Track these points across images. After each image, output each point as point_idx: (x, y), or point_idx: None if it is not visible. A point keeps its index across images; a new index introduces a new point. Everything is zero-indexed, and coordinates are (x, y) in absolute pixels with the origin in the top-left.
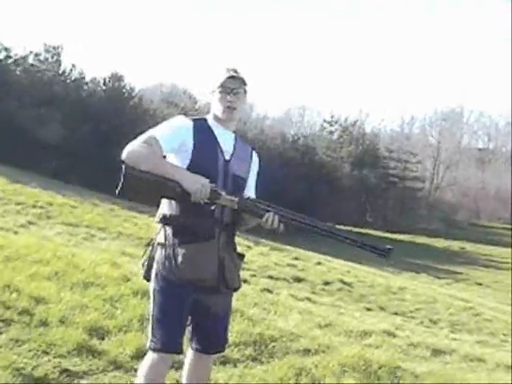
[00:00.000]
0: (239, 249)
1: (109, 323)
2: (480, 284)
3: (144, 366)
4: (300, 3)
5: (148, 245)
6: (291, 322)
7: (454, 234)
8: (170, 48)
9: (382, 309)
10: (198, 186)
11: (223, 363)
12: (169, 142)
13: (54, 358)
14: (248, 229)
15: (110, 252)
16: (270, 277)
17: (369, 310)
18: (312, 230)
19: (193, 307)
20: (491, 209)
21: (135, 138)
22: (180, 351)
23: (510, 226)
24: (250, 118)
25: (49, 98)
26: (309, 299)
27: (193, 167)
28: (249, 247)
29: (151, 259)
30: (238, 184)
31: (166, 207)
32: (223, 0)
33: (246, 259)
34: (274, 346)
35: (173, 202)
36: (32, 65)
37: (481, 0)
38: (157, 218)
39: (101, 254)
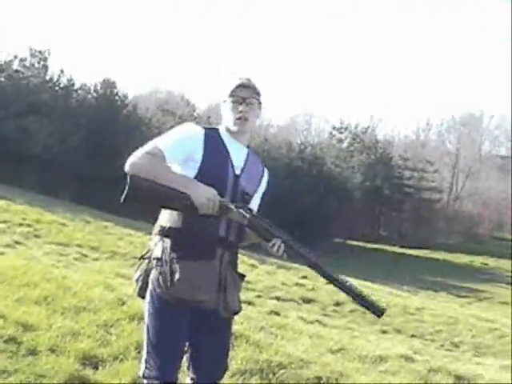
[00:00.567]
0: (241, 268)
1: (103, 351)
2: (505, 303)
3: None
4: (304, 4)
5: (143, 257)
6: (301, 347)
7: (475, 248)
8: (165, 52)
9: (398, 331)
10: (205, 198)
11: None
12: (174, 153)
13: None
14: (246, 246)
15: (104, 273)
16: (277, 298)
17: (384, 332)
18: (315, 270)
19: (190, 332)
20: None
21: (132, 148)
22: (175, 380)
23: None
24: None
25: (35, 107)
26: (319, 322)
27: (199, 180)
28: (253, 266)
29: (146, 274)
30: (246, 201)
31: (166, 218)
32: (223, 1)
33: (250, 279)
34: (282, 374)
35: (174, 212)
36: (17, 71)
37: (481, 0)
38: (155, 230)
39: (93, 276)
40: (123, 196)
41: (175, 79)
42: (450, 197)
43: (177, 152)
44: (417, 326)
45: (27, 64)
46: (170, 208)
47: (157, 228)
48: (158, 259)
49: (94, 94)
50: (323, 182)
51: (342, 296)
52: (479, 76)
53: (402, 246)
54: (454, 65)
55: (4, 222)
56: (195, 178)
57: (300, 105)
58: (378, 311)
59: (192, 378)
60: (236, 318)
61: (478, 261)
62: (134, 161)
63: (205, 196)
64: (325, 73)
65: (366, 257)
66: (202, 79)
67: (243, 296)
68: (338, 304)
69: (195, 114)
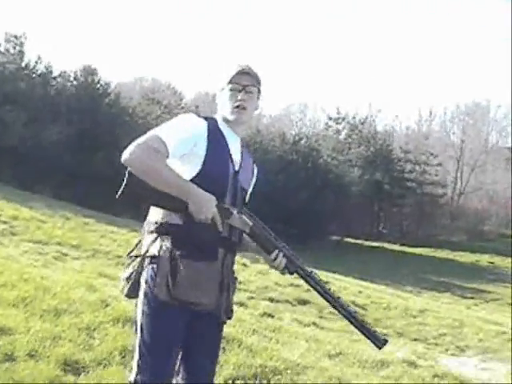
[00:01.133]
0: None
1: (85, 356)
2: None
3: None
4: None
5: (134, 255)
6: (297, 352)
7: (481, 246)
8: (149, 37)
9: (400, 335)
10: (203, 208)
11: None
12: (177, 148)
13: None
14: (241, 251)
15: (85, 273)
16: (271, 299)
17: (385, 336)
18: (313, 287)
19: (184, 334)
20: None
21: (115, 139)
22: None
23: None
24: None
25: (11, 96)
26: (316, 324)
27: (202, 177)
28: (245, 265)
29: (138, 273)
30: (243, 198)
31: (162, 213)
32: None
33: (242, 279)
34: (278, 380)
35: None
36: None
37: (481, 0)
38: (150, 227)
39: (74, 276)
40: (119, 192)
41: (161, 66)
42: (454, 191)
43: (180, 146)
44: (420, 330)
45: (1, 50)
46: (170, 209)
47: (151, 224)
48: (155, 257)
49: (74, 82)
50: (319, 176)
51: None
52: (483, 66)
53: (403, 244)
54: (454, 61)
55: None
56: (197, 175)
57: (294, 94)
58: (379, 342)
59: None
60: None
61: (484, 259)
62: (133, 156)
63: (203, 206)
64: (320, 60)
65: (365, 255)
66: (189, 66)
67: (234, 297)
68: None
69: (182, 104)
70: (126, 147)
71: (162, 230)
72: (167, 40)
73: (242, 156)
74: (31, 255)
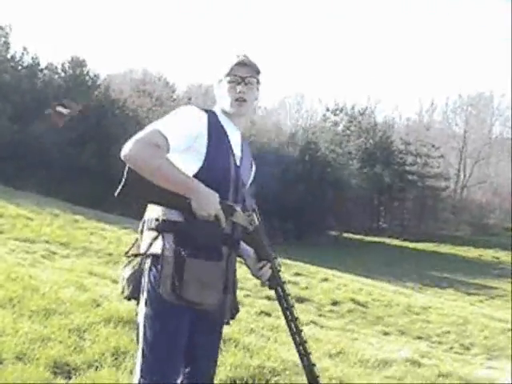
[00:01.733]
0: None
1: (76, 358)
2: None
3: None
4: None
5: (133, 254)
6: (295, 351)
7: (485, 241)
8: (140, 28)
9: (402, 333)
10: (206, 206)
11: None
12: (178, 142)
13: None
14: None
15: (75, 272)
16: (268, 297)
17: (387, 334)
18: (283, 313)
19: (188, 335)
20: None
21: (104, 133)
22: None
23: None
24: None
25: None
26: (315, 323)
27: (204, 172)
28: (240, 262)
29: (139, 273)
30: (244, 194)
31: (162, 209)
32: None
33: (238, 277)
34: (276, 381)
35: None
36: None
37: (481, 0)
38: (150, 223)
39: (64, 275)
40: (118, 190)
41: (152, 58)
42: (457, 184)
43: (181, 141)
44: (423, 327)
45: None
46: (171, 206)
47: (152, 221)
48: (157, 256)
49: (62, 74)
50: (317, 169)
51: (339, 294)
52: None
53: (405, 239)
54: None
55: None
56: (199, 170)
57: (290, 85)
58: (312, 380)
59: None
60: None
61: (488, 254)
62: (133, 150)
63: (206, 203)
64: (317, 49)
65: (365, 251)
66: (181, 58)
67: None
68: (335, 303)
69: (174, 96)
70: (116, 141)
71: (163, 227)
72: (158, 31)
73: (242, 150)
74: (18, 254)
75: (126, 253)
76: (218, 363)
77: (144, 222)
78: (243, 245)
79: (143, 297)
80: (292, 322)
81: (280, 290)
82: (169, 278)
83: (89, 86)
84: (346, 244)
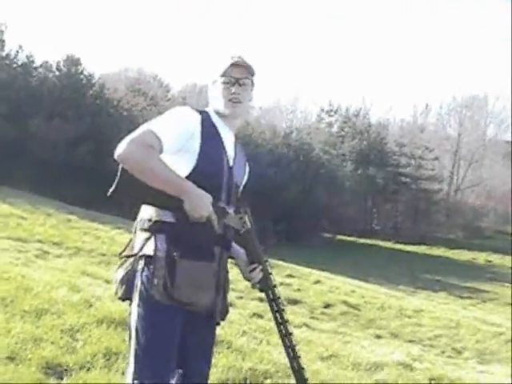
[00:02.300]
0: None
1: (68, 359)
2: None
3: None
4: None
5: (126, 255)
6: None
7: (478, 244)
8: (135, 27)
9: (394, 336)
10: (199, 208)
11: None
12: (172, 143)
13: None
14: None
15: (68, 272)
16: (260, 299)
17: (379, 337)
18: (274, 316)
19: (181, 336)
20: None
21: (99, 132)
22: None
23: None
24: None
25: None
26: (307, 325)
27: (197, 173)
28: (233, 263)
29: (133, 274)
30: (237, 194)
31: (155, 209)
32: None
33: (230, 278)
34: (268, 383)
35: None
36: None
37: (481, 0)
38: (143, 224)
39: (57, 275)
40: (111, 189)
41: (147, 57)
42: (450, 187)
43: (174, 142)
44: (415, 331)
45: None
46: (164, 207)
47: (144, 221)
48: (150, 257)
49: (57, 73)
50: (311, 170)
51: (331, 297)
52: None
53: (398, 242)
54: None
55: None
56: (192, 171)
57: (285, 85)
58: (301, 380)
59: None
60: None
61: (481, 257)
62: (126, 150)
63: (199, 205)
64: (312, 51)
65: (358, 253)
66: (176, 57)
67: None
68: (327, 306)
69: (169, 95)
70: (110, 140)
71: (156, 227)
72: (153, 30)
73: (235, 151)
74: (11, 253)
75: (120, 254)
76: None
77: (137, 223)
78: (235, 246)
79: (135, 298)
80: (282, 325)
81: (270, 293)
82: (161, 279)
83: (83, 85)
84: (339, 246)
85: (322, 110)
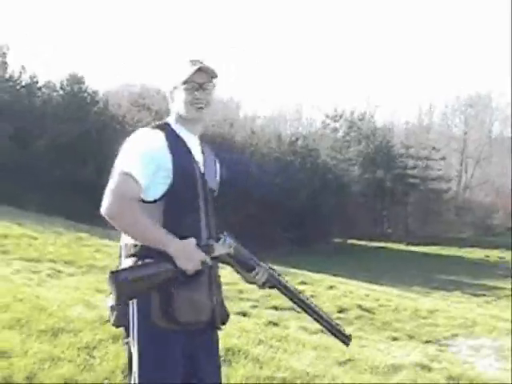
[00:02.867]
0: (233, 276)
1: (86, 376)
2: None
3: None
4: None
5: None
6: (305, 361)
7: (490, 241)
8: (136, 40)
9: (411, 337)
10: (191, 263)
11: None
12: (149, 175)
13: None
14: None
15: (82, 290)
16: (275, 307)
17: (395, 339)
18: (293, 301)
19: (189, 352)
20: None
21: (105, 150)
22: None
23: None
24: (238, 118)
25: None
26: (323, 331)
27: (174, 189)
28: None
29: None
30: (213, 199)
31: None
32: None
33: (243, 288)
34: None
35: None
36: None
37: (481, 0)
38: (129, 250)
39: (71, 293)
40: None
41: (149, 72)
42: (459, 186)
43: (150, 173)
44: (431, 331)
45: None
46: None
47: (131, 247)
48: None
49: (61, 92)
50: (318, 176)
51: (345, 301)
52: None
53: (409, 243)
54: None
55: None
56: (170, 187)
57: (289, 93)
58: (346, 338)
59: None
60: (232, 331)
61: (494, 255)
62: (108, 208)
63: (188, 257)
64: (315, 55)
65: (369, 257)
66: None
67: (237, 307)
68: (342, 310)
69: None
70: (116, 156)
71: (142, 252)
72: (153, 44)
73: (203, 156)
74: (24, 274)
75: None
76: (229, 375)
77: (121, 248)
78: None
79: (134, 325)
80: (303, 303)
81: (281, 287)
82: (159, 305)
83: (88, 103)
84: (351, 250)
85: (327, 115)
